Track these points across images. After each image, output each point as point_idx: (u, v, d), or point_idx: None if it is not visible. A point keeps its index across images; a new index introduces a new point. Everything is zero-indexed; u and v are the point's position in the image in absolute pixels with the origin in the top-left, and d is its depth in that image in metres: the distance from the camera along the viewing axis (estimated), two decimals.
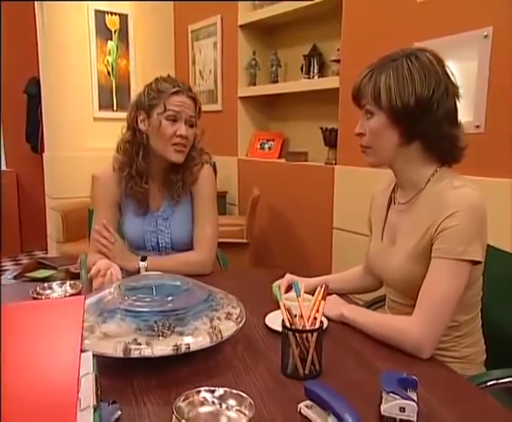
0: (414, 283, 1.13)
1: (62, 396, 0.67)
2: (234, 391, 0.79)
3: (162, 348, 0.91)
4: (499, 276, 1.31)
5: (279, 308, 1.28)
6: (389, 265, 1.23)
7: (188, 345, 0.93)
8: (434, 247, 1.09)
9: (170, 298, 1.02)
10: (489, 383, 1.05)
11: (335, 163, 2.68)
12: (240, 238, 2.64)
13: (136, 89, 4.29)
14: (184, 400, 0.77)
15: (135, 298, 1.02)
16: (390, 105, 1.11)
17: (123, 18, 4.23)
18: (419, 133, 1.12)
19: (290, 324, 0.97)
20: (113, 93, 4.23)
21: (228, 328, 0.99)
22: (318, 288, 1.03)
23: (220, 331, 0.97)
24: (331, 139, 2.72)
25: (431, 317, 1.04)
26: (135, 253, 1.60)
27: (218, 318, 1.01)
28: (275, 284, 1.35)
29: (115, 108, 4.24)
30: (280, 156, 3.29)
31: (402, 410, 0.79)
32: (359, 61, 2.43)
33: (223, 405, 0.78)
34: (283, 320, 0.98)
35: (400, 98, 1.09)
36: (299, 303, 1.00)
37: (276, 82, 3.30)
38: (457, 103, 1.12)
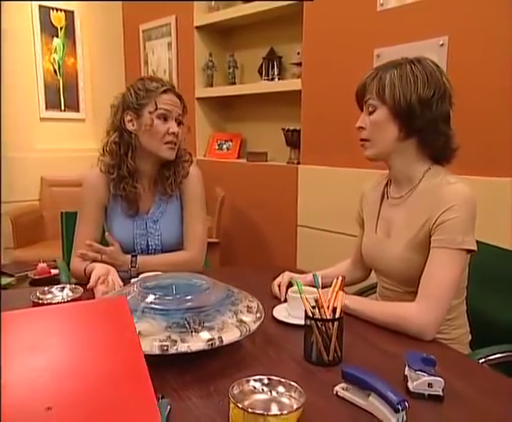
0: (411, 271, 1.23)
1: (138, 392, 0.68)
2: (281, 379, 0.83)
3: (199, 344, 0.93)
4: (488, 269, 1.43)
5: (280, 302, 1.35)
6: (386, 255, 1.31)
7: (221, 338, 0.95)
8: (433, 238, 1.18)
9: (192, 296, 1.04)
10: (480, 361, 1.16)
11: (298, 163, 2.77)
12: (210, 238, 2.66)
13: (85, 88, 4.18)
14: (236, 389, 0.80)
15: (158, 297, 1.03)
16: (393, 100, 1.20)
17: (69, 15, 4.09)
18: (416, 129, 1.22)
19: (313, 315, 1.03)
20: (60, 92, 4.08)
21: (252, 321, 1.03)
22: (335, 280, 1.09)
23: (247, 324, 1.01)
24: (293, 139, 2.80)
25: (435, 303, 1.13)
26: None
27: (241, 312, 1.04)
28: (277, 281, 1.41)
29: (63, 108, 4.09)
30: (238, 157, 3.34)
31: (430, 385, 0.87)
32: (321, 64, 2.56)
33: (273, 392, 0.82)
34: (306, 311, 1.03)
35: (403, 94, 1.19)
36: (319, 295, 1.05)
37: (234, 83, 3.33)
38: (451, 108, 1.23)
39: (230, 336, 0.97)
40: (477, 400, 0.87)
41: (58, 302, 1.24)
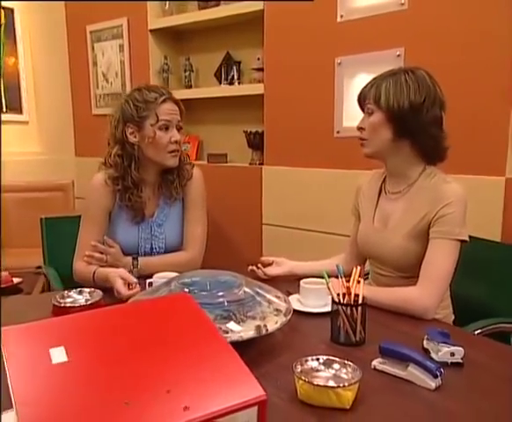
0: (407, 259, 1.38)
1: (236, 372, 0.74)
2: (336, 358, 0.92)
3: (249, 332, 1.00)
4: (476, 260, 1.60)
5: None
6: (383, 243, 1.45)
7: (266, 327, 1.03)
8: (433, 229, 1.34)
9: (229, 290, 1.10)
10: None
11: (260, 164, 2.87)
12: None
13: (28, 89, 4.00)
14: (298, 368, 0.89)
15: (196, 291, 1.09)
16: (387, 105, 1.35)
17: (8, 13, 3.89)
18: (408, 131, 1.37)
19: (338, 301, 1.13)
20: (1, 93, 3.87)
21: (286, 309, 1.11)
22: (354, 269, 1.20)
23: (283, 313, 1.09)
24: (255, 141, 2.89)
25: (437, 287, 1.28)
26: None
27: (274, 302, 1.12)
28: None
29: (5, 110, 3.88)
30: (196, 159, 3.37)
31: (452, 354, 1.00)
32: (283, 69, 2.68)
33: (331, 370, 0.91)
34: (332, 298, 1.14)
35: (397, 100, 1.34)
36: (342, 283, 1.16)
37: (190, 87, 3.36)
38: (443, 113, 1.39)
39: (272, 324, 1.05)
40: (490, 364, 1.02)
41: (80, 305, 1.25)
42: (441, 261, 1.30)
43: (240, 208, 2.95)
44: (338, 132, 2.50)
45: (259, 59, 2.88)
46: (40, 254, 2.15)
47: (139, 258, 1.56)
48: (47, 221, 1.92)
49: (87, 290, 1.32)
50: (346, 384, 0.85)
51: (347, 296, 1.14)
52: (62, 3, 4.07)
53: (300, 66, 2.61)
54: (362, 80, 2.40)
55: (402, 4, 2.24)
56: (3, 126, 3.88)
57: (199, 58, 3.40)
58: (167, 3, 3.32)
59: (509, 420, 0.82)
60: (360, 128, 1.45)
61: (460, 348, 1.00)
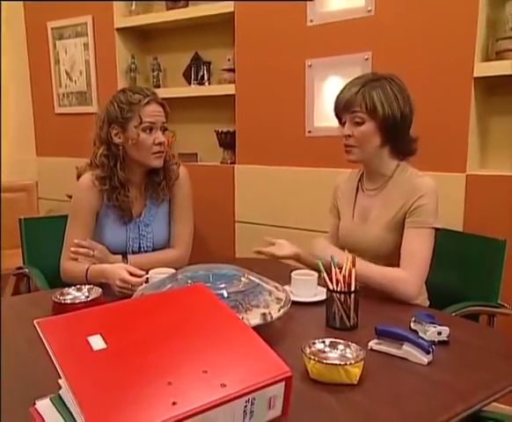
0: (385, 248, 1.51)
1: (261, 352, 0.81)
2: (340, 340, 1.01)
3: (256, 320, 1.06)
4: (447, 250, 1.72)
5: None
6: (363, 236, 1.56)
7: (271, 314, 1.10)
8: (409, 220, 1.46)
9: (230, 282, 1.16)
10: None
11: (232, 163, 2.93)
12: None
13: None
14: (307, 349, 0.97)
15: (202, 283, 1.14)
16: (383, 114, 1.45)
17: None
18: (394, 138, 1.49)
19: (333, 289, 1.22)
20: None
21: (286, 297, 1.19)
22: (345, 259, 1.28)
23: (283, 301, 1.16)
24: (226, 141, 2.95)
25: (419, 272, 1.40)
26: None
27: (273, 291, 1.19)
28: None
29: None
30: None
31: (439, 334, 1.11)
32: (254, 70, 2.75)
33: (337, 350, 0.99)
34: (327, 286, 1.22)
35: (392, 112, 1.45)
36: (336, 272, 1.24)
37: (158, 86, 3.37)
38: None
39: (276, 311, 1.12)
40: (472, 341, 1.14)
41: (81, 302, 1.27)
42: (420, 248, 1.42)
43: (213, 207, 2.99)
44: (309, 132, 2.60)
45: (229, 60, 2.94)
46: (12, 255, 2.13)
47: (128, 256, 1.59)
48: (26, 221, 1.90)
49: (86, 287, 1.34)
50: (353, 362, 0.93)
51: (340, 284, 1.23)
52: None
53: (271, 67, 2.69)
54: (332, 82, 2.53)
55: (369, 11, 2.36)
56: None
57: (167, 57, 3.41)
58: (133, 3, 3.32)
59: (498, 386, 0.93)
60: (347, 136, 1.51)
61: (446, 328, 1.11)
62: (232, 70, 2.90)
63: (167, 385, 0.70)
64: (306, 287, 1.40)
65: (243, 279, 1.18)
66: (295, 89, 2.62)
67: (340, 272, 1.25)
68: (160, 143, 1.60)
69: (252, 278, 1.20)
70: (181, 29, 3.26)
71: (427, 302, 1.61)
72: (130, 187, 1.63)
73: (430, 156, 2.20)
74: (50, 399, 0.80)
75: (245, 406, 0.74)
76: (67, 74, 3.76)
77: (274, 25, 2.65)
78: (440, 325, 1.12)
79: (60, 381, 0.83)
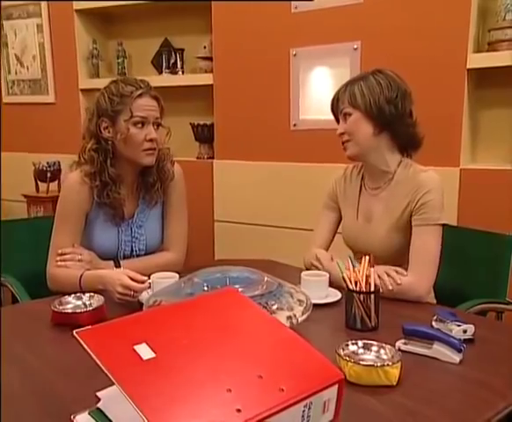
0: (391, 250, 1.57)
1: (310, 355, 0.85)
2: (372, 342, 1.06)
3: (285, 323, 1.10)
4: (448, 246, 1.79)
5: None
6: (368, 237, 1.62)
7: (296, 317, 1.14)
8: (415, 217, 1.52)
9: (250, 285, 1.19)
10: None
11: (210, 158, 2.94)
12: None
13: None
14: (341, 351, 1.01)
15: (219, 287, 1.17)
16: (364, 105, 1.54)
17: None
18: (388, 123, 1.56)
19: (354, 289, 1.27)
20: None
21: (307, 299, 1.23)
22: (363, 258, 1.34)
23: (305, 303, 1.21)
24: (203, 134, 2.96)
25: (428, 270, 1.48)
26: None
27: (293, 293, 1.24)
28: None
29: None
30: None
31: (464, 332, 1.18)
32: (234, 59, 2.78)
33: (372, 352, 1.04)
34: (348, 286, 1.28)
35: (373, 98, 1.53)
36: (354, 273, 1.30)
37: (124, 74, 3.34)
38: (412, 106, 1.60)
39: (299, 314, 1.16)
40: (495, 338, 1.22)
41: (83, 312, 1.27)
42: (428, 246, 1.50)
43: (189, 205, 2.98)
44: (295, 125, 2.65)
45: (205, 47, 2.95)
46: None
47: (121, 262, 1.59)
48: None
49: (86, 295, 1.34)
50: (390, 363, 0.98)
51: (359, 284, 1.28)
52: None
53: (253, 56, 2.72)
54: (319, 73, 2.59)
55: None
56: None
57: (133, 43, 3.37)
58: None
59: None
60: (341, 134, 1.61)
61: (471, 325, 1.18)
62: (209, 59, 2.91)
63: (227, 392, 0.73)
64: (317, 288, 1.45)
65: (262, 281, 1.21)
66: (278, 79, 2.66)
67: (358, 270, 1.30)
68: (152, 140, 1.59)
69: (271, 280, 1.23)
70: (149, 13, 3.24)
71: (434, 301, 1.69)
72: (121, 186, 1.62)
73: (423, 149, 2.30)
74: (89, 413, 0.81)
75: (303, 411, 0.77)
76: (17, 59, 3.66)
77: (255, 11, 2.68)
78: (465, 323, 1.19)
79: (98, 393, 0.84)
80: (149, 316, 0.88)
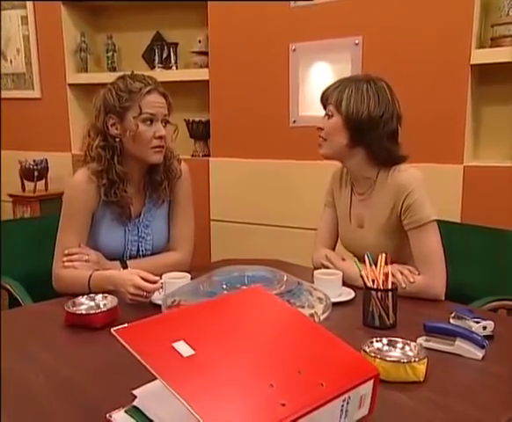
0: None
1: (343, 350, 0.89)
2: (397, 339, 1.10)
3: None
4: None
5: None
6: (362, 243, 1.65)
7: (318, 315, 1.18)
8: (406, 221, 1.56)
9: (269, 283, 1.23)
10: None
11: (205, 155, 2.97)
12: None
13: None
14: (368, 348, 1.05)
15: (238, 285, 1.20)
16: (347, 111, 1.56)
17: None
18: (363, 141, 1.59)
19: (372, 287, 1.31)
20: None
21: (325, 297, 1.27)
22: (380, 256, 1.38)
23: (325, 300, 1.24)
24: (198, 131, 2.98)
25: (437, 268, 1.52)
26: None
27: (312, 291, 1.27)
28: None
29: None
30: None
31: (484, 328, 1.23)
32: (231, 54, 2.80)
33: (397, 349, 1.09)
34: (365, 284, 1.32)
35: (356, 109, 1.55)
36: (370, 271, 1.34)
37: (114, 69, 3.35)
38: (399, 126, 1.62)
39: (320, 312, 1.20)
40: None
41: (98, 312, 1.29)
42: (430, 245, 1.53)
43: None
44: (294, 121, 2.69)
45: (200, 41, 2.97)
46: None
47: (128, 262, 1.61)
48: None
49: (99, 296, 1.36)
50: (417, 359, 1.03)
51: (376, 282, 1.33)
52: None
53: (250, 51, 2.75)
54: (319, 68, 2.64)
55: None
56: None
57: (123, 36, 3.39)
58: None
59: None
60: (319, 128, 1.65)
61: (491, 322, 1.23)
62: (204, 53, 2.94)
63: (270, 387, 0.76)
64: (331, 287, 1.48)
65: (281, 279, 1.25)
66: (277, 75, 2.70)
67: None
68: (160, 137, 1.61)
69: (290, 278, 1.27)
70: (140, 4, 3.24)
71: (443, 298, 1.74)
72: (128, 184, 1.64)
73: (426, 147, 2.37)
74: (126, 412, 0.83)
75: (342, 405, 0.81)
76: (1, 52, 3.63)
77: (253, 4, 2.70)
78: (484, 320, 1.24)
79: (135, 391, 0.87)
80: (182, 315, 0.90)
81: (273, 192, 2.78)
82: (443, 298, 1.52)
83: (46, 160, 3.24)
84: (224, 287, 1.21)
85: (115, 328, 0.81)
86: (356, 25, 2.51)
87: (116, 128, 1.60)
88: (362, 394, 0.84)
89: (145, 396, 0.85)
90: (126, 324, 0.83)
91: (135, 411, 0.83)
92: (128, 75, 1.64)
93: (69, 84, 3.35)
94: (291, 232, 2.73)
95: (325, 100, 1.66)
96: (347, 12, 2.52)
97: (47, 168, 3.26)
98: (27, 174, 3.23)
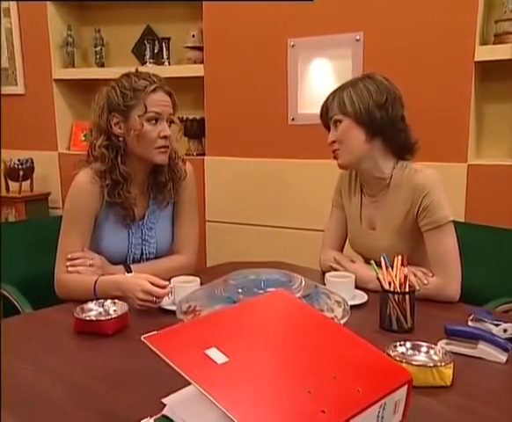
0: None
1: (373, 355, 0.90)
2: (420, 343, 1.12)
3: None
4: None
5: None
6: (374, 245, 1.67)
7: (338, 318, 1.19)
8: (423, 223, 1.59)
9: (287, 287, 1.23)
10: None
11: (199, 154, 2.97)
12: None
13: None
14: (391, 352, 1.07)
15: (255, 290, 1.21)
16: (354, 109, 1.60)
17: None
18: (379, 129, 1.62)
19: (389, 290, 1.33)
20: None
21: (343, 300, 1.28)
22: (396, 259, 1.40)
23: (343, 303, 1.26)
24: (192, 129, 2.98)
25: (454, 274, 1.55)
26: None
27: (329, 294, 1.28)
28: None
29: None
30: None
31: (504, 331, 1.26)
32: (227, 49, 2.81)
33: (422, 353, 1.10)
34: (383, 287, 1.33)
35: (362, 104, 1.59)
36: (387, 273, 1.36)
37: (102, 65, 3.33)
38: (404, 110, 1.66)
39: (340, 316, 1.21)
40: None
41: (109, 319, 1.28)
42: (446, 247, 1.56)
43: None
44: (293, 119, 2.70)
45: (194, 36, 2.97)
46: None
47: (131, 266, 1.61)
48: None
49: (108, 301, 1.35)
50: (444, 363, 1.04)
51: (393, 285, 1.34)
52: None
53: (247, 46, 2.76)
54: (318, 64, 2.66)
55: None
56: None
57: (111, 30, 3.37)
58: None
59: None
60: (332, 142, 1.67)
61: (511, 324, 1.26)
62: (198, 48, 2.94)
63: (308, 394, 0.77)
64: (344, 290, 1.49)
65: (298, 282, 1.26)
66: (275, 71, 2.71)
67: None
68: (166, 137, 1.61)
69: (307, 281, 1.28)
70: None
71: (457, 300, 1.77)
72: (132, 185, 1.64)
73: (430, 145, 2.37)
74: (156, 421, 0.84)
75: (379, 411, 0.82)
76: None
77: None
78: (505, 322, 1.26)
79: (164, 400, 0.87)
80: (209, 321, 0.91)
81: (271, 193, 2.79)
82: (457, 300, 1.54)
83: (31, 159, 3.21)
84: (240, 291, 1.21)
85: (145, 335, 0.81)
86: (357, 20, 2.53)
87: (120, 127, 1.59)
88: (396, 399, 0.85)
89: (175, 404, 0.85)
90: (155, 332, 0.83)
91: (165, 421, 0.83)
92: (132, 72, 1.64)
93: (55, 80, 3.32)
94: (290, 233, 2.75)
95: (325, 115, 1.71)
96: (348, 7, 2.54)
97: (33, 168, 3.23)
98: (12, 174, 3.19)
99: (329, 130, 1.71)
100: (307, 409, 0.74)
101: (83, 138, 3.38)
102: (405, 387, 0.87)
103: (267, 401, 0.74)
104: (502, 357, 1.15)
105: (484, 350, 1.17)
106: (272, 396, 0.75)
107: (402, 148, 1.68)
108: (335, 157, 1.70)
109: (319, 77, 2.65)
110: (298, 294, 1.20)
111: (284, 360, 0.83)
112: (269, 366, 0.81)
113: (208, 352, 0.81)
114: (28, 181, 3.25)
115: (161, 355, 0.78)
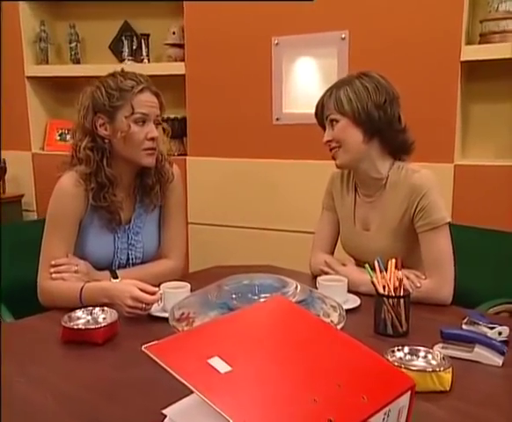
0: (394, 257, 1.63)
1: (376, 362, 0.92)
2: (417, 347, 1.14)
3: None
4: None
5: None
6: (368, 247, 1.69)
7: (334, 323, 1.20)
8: (419, 224, 1.61)
9: (281, 292, 1.25)
10: None
11: (181, 155, 2.96)
12: None
13: None
14: (390, 358, 1.09)
15: (250, 295, 1.22)
16: (352, 110, 1.61)
17: None
18: (377, 130, 1.63)
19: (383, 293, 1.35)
20: None
21: (338, 304, 1.30)
22: (390, 262, 1.42)
23: (338, 308, 1.27)
24: (173, 129, 2.96)
25: (447, 277, 1.58)
26: None
27: (324, 299, 1.30)
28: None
29: None
30: None
31: (499, 333, 1.29)
32: (209, 47, 2.82)
33: (420, 358, 1.13)
34: (377, 290, 1.35)
35: (361, 104, 1.60)
36: (381, 277, 1.38)
37: (78, 61, 3.31)
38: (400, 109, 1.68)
39: (336, 320, 1.23)
40: None
41: (98, 327, 1.27)
42: (440, 249, 1.59)
43: None
44: (277, 119, 2.72)
45: (174, 33, 2.97)
46: None
47: (118, 271, 1.61)
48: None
49: (96, 309, 1.34)
50: (442, 368, 1.07)
51: (387, 288, 1.37)
52: None
53: (230, 44, 2.77)
54: (303, 63, 2.68)
55: None
56: None
57: (87, 26, 3.35)
58: None
59: None
60: (328, 141, 1.68)
61: (506, 327, 1.29)
62: (179, 46, 2.94)
63: (314, 402, 0.78)
64: (337, 294, 1.50)
65: (293, 287, 1.27)
66: (259, 69, 2.72)
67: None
68: (153, 138, 1.60)
69: (303, 286, 1.29)
70: None
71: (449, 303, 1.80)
72: (118, 189, 1.63)
73: (416, 145, 2.42)
74: None
75: (384, 419, 0.84)
76: None
77: None
78: (499, 325, 1.29)
79: (165, 411, 0.88)
80: (209, 329, 0.91)
81: (255, 194, 2.80)
82: (449, 303, 1.57)
83: (3, 160, 3.16)
84: (234, 296, 1.22)
85: (146, 345, 0.81)
86: (343, 18, 2.56)
87: (105, 129, 1.58)
88: (401, 406, 0.87)
89: (176, 415, 0.85)
90: (156, 341, 0.83)
91: None
92: (118, 72, 1.62)
93: (28, 77, 3.28)
94: (275, 235, 2.76)
95: (320, 112, 1.70)
96: (334, 5, 2.56)
97: (5, 168, 3.18)
98: None
99: (324, 129, 1.71)
100: (314, 418, 0.75)
101: (58, 138, 3.36)
102: (409, 393, 0.88)
103: (274, 410, 0.75)
104: (498, 360, 1.18)
105: (480, 353, 1.19)
106: (278, 405, 0.76)
107: (399, 148, 1.71)
108: (333, 157, 1.70)
109: (304, 76, 2.67)
110: (293, 300, 1.21)
111: (288, 369, 0.84)
112: (273, 374, 0.82)
113: (210, 361, 0.81)
114: (0, 183, 3.20)
115: (163, 365, 0.78)
